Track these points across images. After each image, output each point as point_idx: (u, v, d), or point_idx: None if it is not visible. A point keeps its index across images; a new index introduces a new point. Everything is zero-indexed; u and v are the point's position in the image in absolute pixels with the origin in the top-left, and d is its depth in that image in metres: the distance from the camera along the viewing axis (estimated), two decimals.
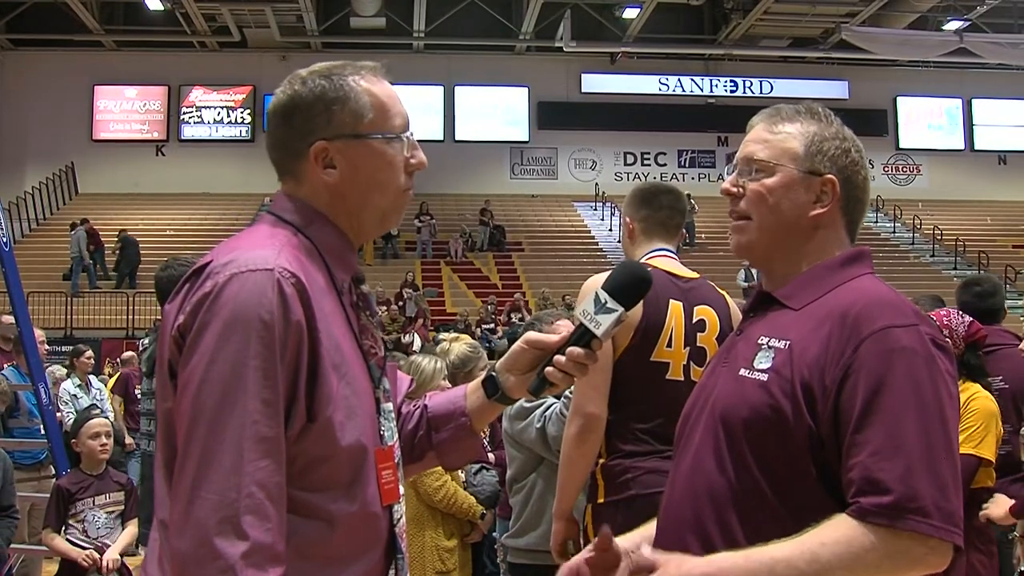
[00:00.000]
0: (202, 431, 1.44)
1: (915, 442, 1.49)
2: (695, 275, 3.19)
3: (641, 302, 2.99)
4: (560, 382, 1.70)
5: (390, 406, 1.67)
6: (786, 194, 1.71)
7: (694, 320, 3.04)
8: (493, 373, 1.79)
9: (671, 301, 3.02)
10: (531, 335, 1.76)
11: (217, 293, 1.47)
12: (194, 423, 1.44)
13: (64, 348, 16.92)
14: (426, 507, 4.32)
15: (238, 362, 1.44)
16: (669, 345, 2.99)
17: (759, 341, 1.67)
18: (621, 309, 1.69)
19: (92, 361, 9.46)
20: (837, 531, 1.49)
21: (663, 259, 3.14)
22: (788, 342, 1.63)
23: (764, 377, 1.62)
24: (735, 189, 1.76)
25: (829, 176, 1.72)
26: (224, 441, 1.43)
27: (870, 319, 1.57)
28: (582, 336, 1.69)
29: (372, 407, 1.61)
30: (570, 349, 1.69)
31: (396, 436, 1.68)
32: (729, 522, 1.61)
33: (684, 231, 3.30)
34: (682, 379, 2.96)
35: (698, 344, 3.04)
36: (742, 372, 1.66)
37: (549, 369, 1.69)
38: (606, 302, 1.69)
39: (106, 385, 10.10)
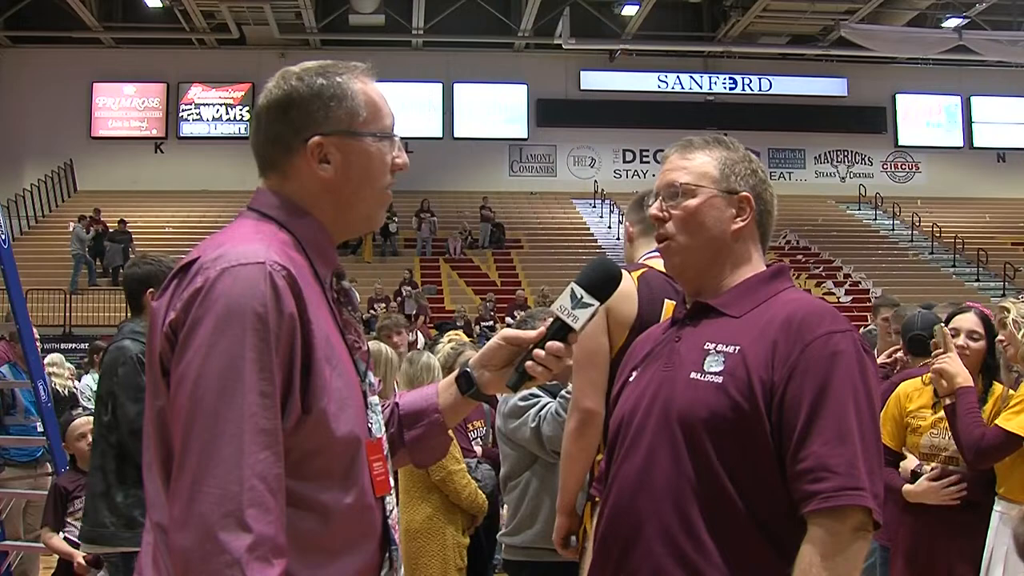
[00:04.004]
0: (201, 426, 1.43)
1: (855, 434, 1.72)
2: None
3: (637, 302, 3.05)
4: (539, 376, 1.76)
5: (376, 399, 1.69)
6: (709, 211, 1.92)
7: None
8: (468, 369, 1.83)
9: (666, 301, 3.03)
10: (507, 331, 1.83)
11: (209, 288, 1.47)
12: (192, 418, 1.44)
13: (63, 345, 16.93)
14: (445, 506, 4.30)
15: (234, 355, 1.44)
16: None
17: (705, 347, 1.84)
18: (597, 303, 1.77)
19: None
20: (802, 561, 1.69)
21: (659, 260, 3.13)
22: (738, 347, 1.80)
23: (719, 380, 1.79)
24: (662, 214, 1.94)
25: (745, 193, 1.94)
26: (224, 435, 1.42)
27: (812, 326, 1.78)
28: (559, 330, 1.76)
29: (360, 399, 1.63)
30: (549, 343, 1.75)
31: (383, 429, 1.69)
32: (690, 515, 1.76)
33: None
34: None
35: None
36: (693, 375, 1.82)
37: (529, 363, 1.75)
38: (582, 297, 1.77)
39: None
